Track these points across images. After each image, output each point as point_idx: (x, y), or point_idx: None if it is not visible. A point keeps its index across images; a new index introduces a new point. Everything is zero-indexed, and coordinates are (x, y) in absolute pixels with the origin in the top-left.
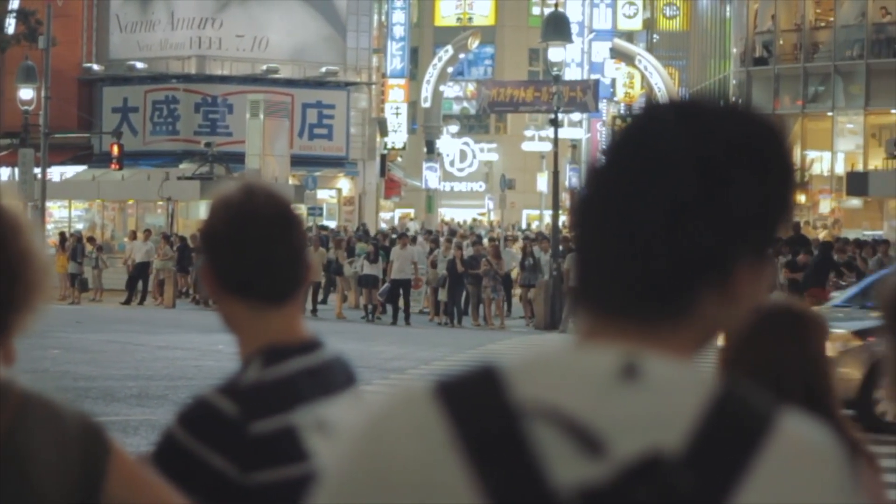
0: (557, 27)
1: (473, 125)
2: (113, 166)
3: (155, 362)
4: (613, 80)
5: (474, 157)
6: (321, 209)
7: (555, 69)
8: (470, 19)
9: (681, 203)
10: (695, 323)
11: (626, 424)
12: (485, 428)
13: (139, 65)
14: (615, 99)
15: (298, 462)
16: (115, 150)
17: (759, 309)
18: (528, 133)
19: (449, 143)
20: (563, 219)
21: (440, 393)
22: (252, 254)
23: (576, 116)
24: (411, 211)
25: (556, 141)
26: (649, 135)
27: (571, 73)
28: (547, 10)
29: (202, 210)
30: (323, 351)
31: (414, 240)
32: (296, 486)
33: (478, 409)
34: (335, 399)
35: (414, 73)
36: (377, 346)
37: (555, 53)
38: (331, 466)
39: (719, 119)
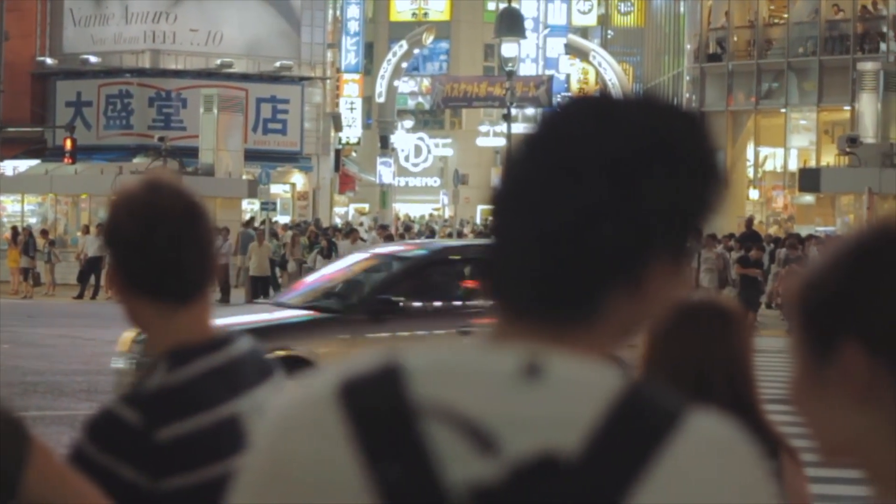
0: (511, 23)
1: (428, 120)
2: (66, 160)
3: (105, 357)
4: (568, 76)
5: (429, 152)
6: (275, 204)
7: (508, 65)
8: (425, 14)
9: (590, 204)
10: (606, 323)
11: (523, 424)
12: (380, 425)
13: (93, 59)
14: (570, 94)
15: (213, 463)
16: (69, 144)
17: (681, 305)
18: (483, 128)
19: (404, 138)
20: None
21: (341, 389)
22: (160, 254)
23: (530, 111)
24: (366, 206)
25: (509, 136)
26: (562, 132)
27: (526, 69)
28: (502, 6)
29: None
30: (232, 347)
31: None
32: (212, 487)
33: (375, 406)
34: (251, 394)
35: (369, 69)
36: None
37: (508, 49)
38: (241, 463)
39: (634, 116)
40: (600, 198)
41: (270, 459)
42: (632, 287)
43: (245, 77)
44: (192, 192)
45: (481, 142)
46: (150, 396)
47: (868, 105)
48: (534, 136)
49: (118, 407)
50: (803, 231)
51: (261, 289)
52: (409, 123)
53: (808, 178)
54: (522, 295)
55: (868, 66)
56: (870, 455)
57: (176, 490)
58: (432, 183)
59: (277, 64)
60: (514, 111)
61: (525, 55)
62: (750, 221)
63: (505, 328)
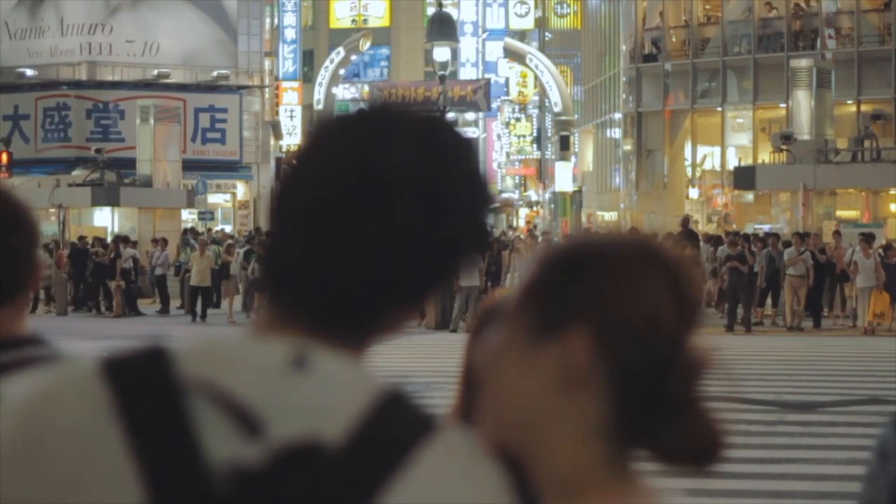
0: (442, 27)
1: None
2: (2, 175)
3: None
4: (507, 80)
5: None
6: (212, 213)
7: (440, 69)
8: (365, 21)
9: (345, 223)
10: (374, 328)
11: (288, 410)
12: (144, 399)
13: (29, 72)
14: (509, 98)
15: None
16: (4, 158)
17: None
18: None
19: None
20: None
21: (105, 365)
22: None
23: (470, 116)
24: None
25: None
26: (320, 149)
27: (467, 73)
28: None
29: (95, 217)
30: (32, 349)
31: None
32: None
33: (140, 382)
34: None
35: (310, 76)
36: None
37: (440, 53)
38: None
39: (389, 136)
40: (356, 216)
41: (27, 432)
42: (406, 304)
43: (182, 87)
44: (10, 196)
45: None
46: None
47: (802, 102)
48: (300, 151)
49: None
50: (747, 230)
51: (204, 299)
52: None
53: (743, 176)
54: (294, 294)
55: (802, 63)
56: (550, 444)
57: None
58: None
59: (215, 73)
60: (453, 115)
61: (465, 59)
62: (686, 221)
63: (272, 320)
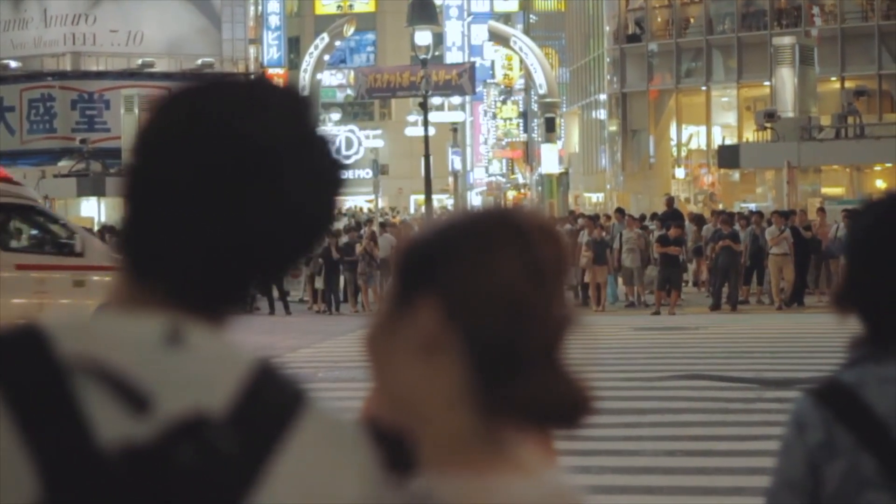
0: (423, 10)
1: (358, 112)
2: None
3: None
4: (493, 63)
5: (360, 144)
6: None
7: (422, 53)
8: (350, 7)
9: (209, 195)
10: (232, 300)
11: (172, 385)
12: (29, 383)
13: (13, 63)
14: (495, 81)
15: None
16: None
17: None
18: (411, 118)
19: (331, 131)
20: (444, 201)
21: None
22: None
23: (456, 100)
24: None
25: (426, 125)
26: (166, 119)
27: (453, 56)
28: None
29: (82, 207)
30: None
31: None
32: None
33: (22, 364)
34: None
35: (296, 63)
36: (245, 336)
37: (421, 37)
38: None
39: (233, 112)
40: (200, 192)
41: None
42: (271, 275)
43: (167, 76)
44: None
45: (410, 132)
46: None
47: (786, 80)
48: (149, 120)
49: None
50: (734, 209)
51: None
52: (336, 116)
53: (728, 155)
54: (159, 269)
55: (785, 40)
56: (422, 413)
57: None
58: (364, 175)
59: (199, 62)
60: (439, 99)
61: (451, 43)
62: (671, 201)
63: (138, 295)
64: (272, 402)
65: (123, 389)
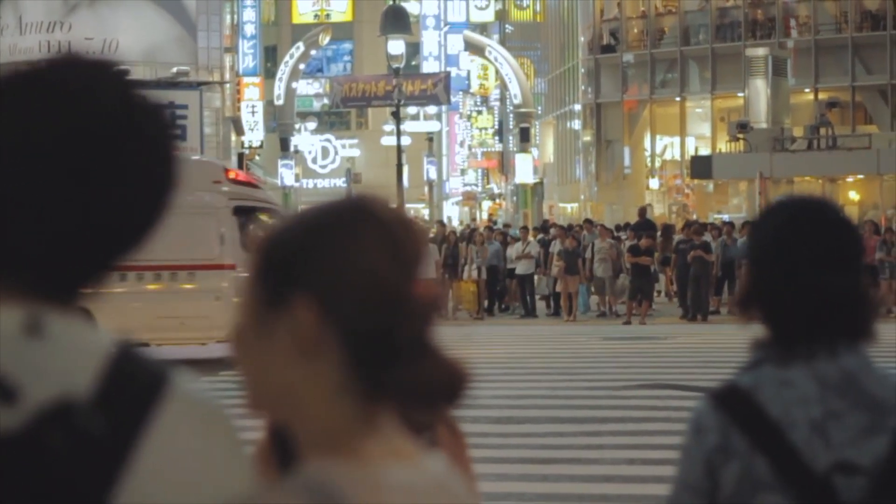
0: (396, 20)
1: (335, 122)
2: None
3: None
4: (469, 73)
5: (336, 153)
6: None
7: (395, 62)
8: (328, 16)
9: (33, 183)
10: (83, 285)
11: (37, 375)
12: None
13: None
14: (471, 91)
15: None
16: None
17: None
18: (387, 128)
19: (307, 139)
20: (420, 210)
21: None
22: None
23: (432, 109)
24: None
25: (398, 134)
26: (11, 103)
27: (429, 66)
28: (402, 5)
29: None
30: None
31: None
32: None
33: None
34: None
35: (273, 72)
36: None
37: (394, 46)
38: None
39: (60, 93)
40: (29, 182)
41: None
42: (124, 253)
43: (142, 84)
44: None
45: (386, 141)
46: None
47: (759, 91)
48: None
49: None
50: (709, 219)
51: None
52: (311, 125)
53: (700, 166)
54: (12, 260)
55: (758, 52)
56: (301, 409)
57: None
58: (341, 184)
59: (174, 70)
60: (415, 109)
61: (427, 53)
62: (643, 211)
63: None
64: (135, 383)
65: None
